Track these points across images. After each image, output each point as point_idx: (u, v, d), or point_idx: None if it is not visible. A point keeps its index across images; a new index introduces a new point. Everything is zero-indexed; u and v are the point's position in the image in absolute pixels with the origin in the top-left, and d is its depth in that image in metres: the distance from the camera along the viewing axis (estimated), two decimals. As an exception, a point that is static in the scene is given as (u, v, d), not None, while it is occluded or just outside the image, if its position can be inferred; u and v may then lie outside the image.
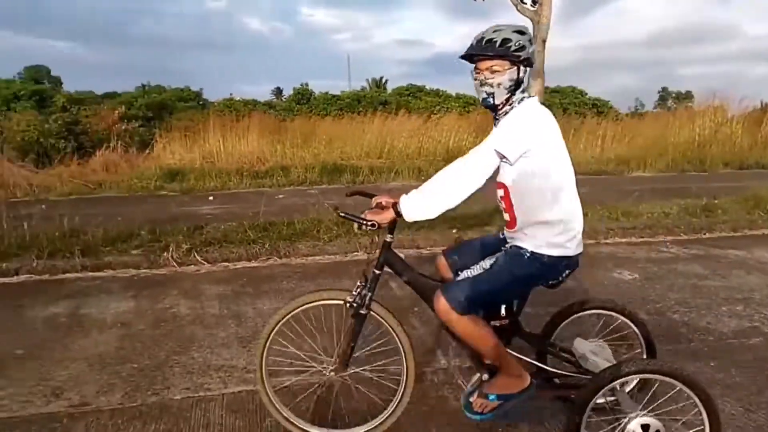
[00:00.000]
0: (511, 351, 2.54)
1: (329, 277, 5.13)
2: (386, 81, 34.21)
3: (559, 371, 2.65)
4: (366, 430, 2.67)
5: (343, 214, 2.39)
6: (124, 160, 11.63)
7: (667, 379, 2.22)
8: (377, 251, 2.51)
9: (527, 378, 2.53)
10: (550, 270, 2.41)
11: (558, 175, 2.34)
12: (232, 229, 6.22)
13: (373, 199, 2.64)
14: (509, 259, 2.41)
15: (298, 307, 2.58)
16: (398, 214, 2.28)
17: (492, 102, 2.36)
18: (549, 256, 2.37)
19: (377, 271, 2.50)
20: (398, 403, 2.65)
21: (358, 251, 5.92)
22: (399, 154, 13.02)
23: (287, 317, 2.58)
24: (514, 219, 2.42)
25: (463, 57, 2.40)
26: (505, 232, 2.57)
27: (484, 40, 2.32)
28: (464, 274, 2.46)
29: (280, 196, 9.37)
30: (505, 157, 2.25)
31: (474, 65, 2.40)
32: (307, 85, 23.02)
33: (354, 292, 2.50)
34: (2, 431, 2.81)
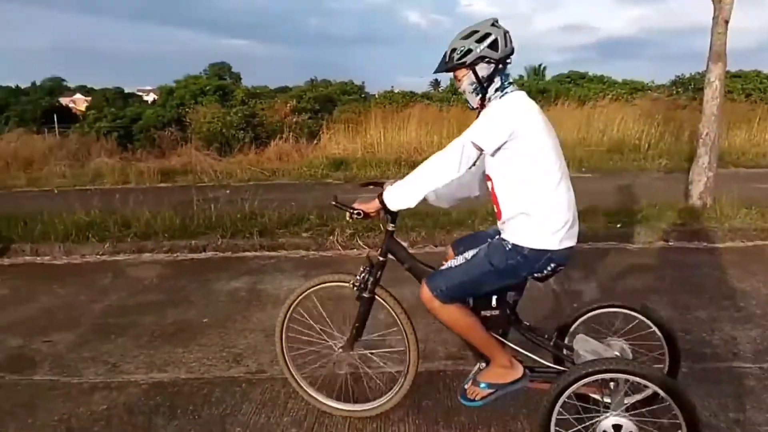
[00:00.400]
0: (506, 342, 2.60)
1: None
2: (545, 68, 33.07)
3: (551, 365, 2.63)
4: (366, 408, 2.88)
5: (335, 203, 2.59)
6: (295, 150, 12.48)
7: (642, 381, 2.11)
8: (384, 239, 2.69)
9: (519, 369, 2.57)
10: (532, 263, 2.39)
11: (542, 167, 2.33)
12: (391, 217, 6.46)
13: (385, 185, 2.69)
14: (490, 250, 2.44)
15: (310, 289, 2.81)
16: (383, 204, 2.42)
17: (471, 105, 2.49)
18: (530, 249, 2.36)
19: (381, 258, 2.69)
20: (399, 388, 2.82)
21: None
22: (561, 144, 12.57)
23: (300, 298, 2.83)
24: (500, 211, 2.45)
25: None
26: (497, 223, 2.58)
27: (443, 57, 2.46)
28: (448, 264, 2.51)
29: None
30: (481, 148, 2.30)
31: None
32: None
33: (358, 277, 2.70)
34: (190, 391, 3.23)
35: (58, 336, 4.02)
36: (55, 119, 16.95)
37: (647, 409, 2.21)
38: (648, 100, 15.96)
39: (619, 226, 6.15)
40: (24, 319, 4.37)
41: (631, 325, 2.69)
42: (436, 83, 42.39)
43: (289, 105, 15.53)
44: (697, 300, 4.32)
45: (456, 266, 2.48)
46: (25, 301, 4.78)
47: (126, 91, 23.18)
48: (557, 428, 2.23)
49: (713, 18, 6.49)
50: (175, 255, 5.96)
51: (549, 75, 28.78)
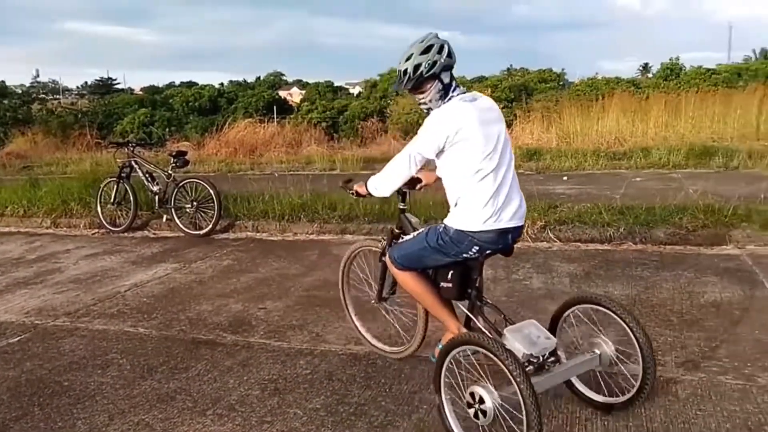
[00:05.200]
0: (470, 314, 2.96)
1: (692, 270, 4.78)
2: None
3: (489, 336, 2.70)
4: (392, 350, 3.53)
5: (342, 186, 3.31)
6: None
7: (488, 353, 2.40)
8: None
9: (461, 331, 2.92)
10: (456, 243, 2.75)
11: (473, 161, 2.65)
12: (585, 210, 6.23)
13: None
14: (429, 230, 2.88)
15: (356, 249, 3.62)
16: (366, 188, 3.03)
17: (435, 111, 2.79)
18: (455, 230, 2.73)
19: (396, 230, 3.23)
20: (413, 340, 3.36)
21: (726, 245, 5.36)
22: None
23: (351, 255, 3.66)
24: (448, 201, 2.83)
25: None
26: None
27: (401, 73, 2.75)
28: (402, 238, 3.09)
29: (638, 179, 8.92)
30: (422, 155, 2.74)
31: None
32: (677, 59, 21.06)
33: (380, 244, 3.37)
34: (383, 365, 3.46)
35: (272, 304, 4.58)
36: (275, 110, 18.83)
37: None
38: None
39: None
40: (244, 287, 5.03)
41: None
42: (645, 68, 39.14)
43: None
44: None
45: (406, 240, 3.04)
46: (246, 272, 5.49)
47: (335, 84, 24.99)
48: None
49: None
50: (373, 237, 6.37)
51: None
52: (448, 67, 2.73)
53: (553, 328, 2.86)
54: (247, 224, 7.11)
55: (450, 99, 2.74)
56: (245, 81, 36.35)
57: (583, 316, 2.86)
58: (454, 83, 2.77)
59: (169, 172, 7.23)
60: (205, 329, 4.17)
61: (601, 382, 2.82)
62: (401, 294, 3.37)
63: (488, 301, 3.00)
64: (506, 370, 2.30)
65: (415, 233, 2.99)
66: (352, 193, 3.20)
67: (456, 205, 2.76)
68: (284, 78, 52.58)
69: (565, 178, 9.21)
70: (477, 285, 2.94)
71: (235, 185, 8.60)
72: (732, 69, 19.14)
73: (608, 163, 10.24)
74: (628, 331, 2.64)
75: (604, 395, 2.81)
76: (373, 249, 3.49)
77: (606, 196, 7.11)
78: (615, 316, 2.68)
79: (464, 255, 2.79)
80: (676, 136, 11.40)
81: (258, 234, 6.96)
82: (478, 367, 2.58)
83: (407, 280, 3.00)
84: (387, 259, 3.08)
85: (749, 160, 9.56)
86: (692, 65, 20.05)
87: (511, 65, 25.59)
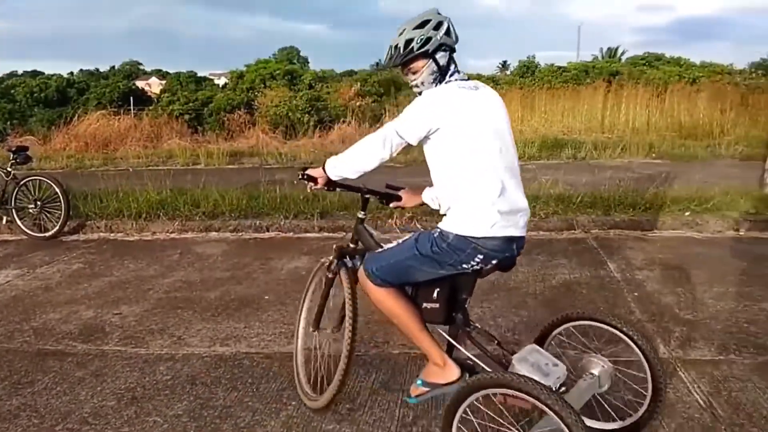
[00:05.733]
0: (453, 341, 2.52)
1: (544, 254, 5.11)
2: (622, 51, 31.86)
3: (487, 368, 2.40)
4: (312, 398, 2.89)
5: (299, 176, 2.60)
6: (357, 134, 12.59)
7: (526, 396, 1.93)
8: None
9: (455, 371, 2.45)
10: (456, 252, 2.29)
11: (473, 155, 2.28)
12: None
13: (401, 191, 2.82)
14: (420, 235, 2.41)
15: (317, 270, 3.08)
16: (325, 170, 2.49)
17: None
18: (455, 236, 2.28)
19: (351, 245, 2.80)
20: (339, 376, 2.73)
21: (575, 229, 5.80)
22: (626, 129, 12.15)
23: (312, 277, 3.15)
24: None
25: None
26: None
27: (392, 48, 2.40)
28: (385, 246, 2.53)
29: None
30: (403, 138, 2.32)
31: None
32: (533, 57, 22.49)
33: (330, 258, 2.88)
34: (250, 364, 3.36)
35: (128, 309, 4.27)
36: (131, 102, 17.67)
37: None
38: (725, 84, 15.19)
39: (687, 214, 5.91)
40: (97, 292, 4.65)
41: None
42: (504, 66, 41.49)
43: (353, 89, 15.64)
44: (765, 292, 4.13)
45: (388, 248, 2.50)
46: (99, 275, 5.08)
47: (199, 75, 23.89)
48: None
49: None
50: (240, 234, 6.18)
51: (626, 57, 27.64)
52: (446, 48, 2.38)
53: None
54: (99, 224, 6.58)
55: (447, 83, 2.39)
56: (98, 70, 33.88)
57: (565, 337, 2.57)
58: (453, 67, 2.41)
59: (8, 169, 6.52)
60: (53, 339, 3.80)
61: (595, 406, 2.51)
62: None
63: (476, 325, 2.59)
64: (553, 414, 1.88)
65: (400, 240, 2.49)
66: (304, 179, 2.57)
67: (453, 206, 2.34)
68: (142, 67, 49.73)
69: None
70: (465, 306, 2.53)
71: (86, 183, 7.94)
72: (580, 67, 20.68)
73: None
74: (633, 346, 2.36)
75: (605, 420, 2.52)
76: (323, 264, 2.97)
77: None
78: (617, 333, 2.38)
79: (464, 266, 2.33)
80: (530, 130, 12.18)
81: (112, 234, 6.48)
82: (502, 411, 2.22)
83: (385, 298, 2.46)
84: (361, 272, 2.51)
85: (595, 151, 10.44)
86: (546, 63, 21.49)
87: (380, 60, 26.04)
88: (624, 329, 2.36)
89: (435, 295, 2.47)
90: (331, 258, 2.88)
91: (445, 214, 2.38)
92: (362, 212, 2.78)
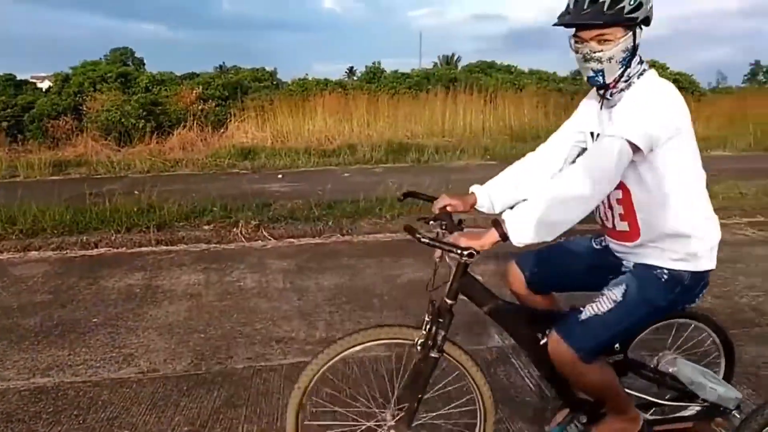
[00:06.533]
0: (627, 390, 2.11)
1: (391, 255, 5.20)
2: (458, 58, 33.75)
3: (675, 403, 2.21)
4: None
5: (425, 240, 1.80)
6: (200, 139, 12.08)
7: None
8: (451, 275, 1.93)
9: (640, 419, 2.08)
10: (690, 291, 1.94)
11: (693, 172, 1.88)
12: (298, 207, 6.39)
13: (436, 203, 2.16)
14: (643, 284, 1.90)
15: (350, 348, 1.98)
16: (503, 237, 1.75)
17: (602, 81, 1.85)
18: (691, 274, 1.90)
19: (449, 301, 1.93)
20: None
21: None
22: (464, 133, 12.89)
23: (332, 361, 1.98)
24: (637, 230, 1.92)
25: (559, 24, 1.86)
26: (615, 244, 2.06)
27: (587, 1, 1.77)
28: (587, 311, 1.91)
29: (346, 175, 9.50)
30: (639, 149, 1.74)
31: (574, 33, 1.88)
32: (379, 63, 23.06)
33: (424, 330, 1.93)
34: (75, 395, 3.04)
35: (-74, 344, 3.68)
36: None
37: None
38: (550, 90, 16.67)
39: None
40: None
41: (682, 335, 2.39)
42: (351, 71, 42.19)
43: (195, 92, 14.96)
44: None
45: (605, 313, 1.89)
46: None
47: (18, 78, 21.51)
48: None
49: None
50: (64, 252, 5.60)
51: (462, 64, 29.32)
52: (647, 24, 1.84)
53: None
54: None
55: (643, 73, 1.87)
56: None
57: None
58: (639, 55, 1.86)
59: None
60: None
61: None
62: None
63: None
64: None
65: (614, 299, 1.90)
66: (467, 254, 1.76)
67: (673, 235, 1.88)
68: (-50, 69, 43.96)
69: (280, 176, 9.33)
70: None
71: None
72: (422, 74, 21.55)
73: (320, 161, 10.70)
74: (719, 343, 2.31)
75: None
76: (401, 343, 2.02)
77: (317, 192, 7.37)
78: (705, 329, 2.30)
79: (689, 304, 2.02)
80: (377, 134, 12.47)
81: None
82: None
83: (598, 375, 1.92)
84: (566, 353, 1.87)
85: (437, 155, 10.95)
86: (391, 69, 22.14)
87: (223, 63, 25.26)
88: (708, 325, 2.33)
89: (617, 345, 2.11)
90: (426, 331, 1.93)
91: (638, 246, 1.95)
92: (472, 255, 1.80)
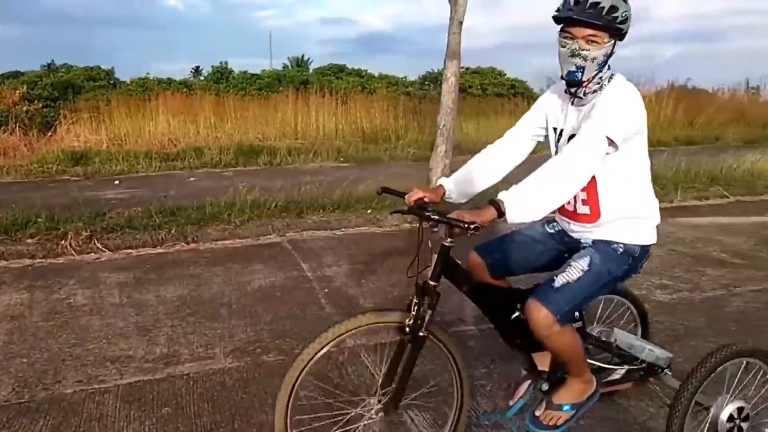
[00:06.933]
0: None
1: (240, 262, 5.04)
2: (310, 60, 33.72)
3: (618, 367, 2.51)
4: None
5: (435, 217, 1.97)
6: (23, 143, 10.89)
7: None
8: (434, 259, 2.09)
9: (594, 381, 2.32)
10: (638, 262, 2.25)
11: (645, 163, 2.21)
12: (137, 214, 5.97)
13: (409, 196, 2.28)
14: (604, 257, 2.18)
15: (341, 335, 2.06)
16: (500, 215, 1.90)
17: (579, 78, 2.06)
18: (640, 248, 2.23)
19: (433, 283, 2.07)
20: None
21: (270, 234, 5.87)
22: (317, 135, 12.89)
23: (321, 352, 2.05)
24: (598, 212, 2.20)
25: (556, 18, 2.09)
26: (575, 225, 2.31)
27: (588, 2, 1.98)
28: (559, 279, 2.12)
29: (192, 179, 9.08)
30: (614, 142, 2.01)
31: (562, 29, 2.08)
32: (226, 63, 22.36)
33: (413, 312, 2.06)
34: None
35: None
36: None
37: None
38: (399, 94, 17.23)
39: (369, 212, 6.47)
40: None
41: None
42: (197, 71, 40.46)
43: (18, 92, 13.51)
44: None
45: (575, 280, 2.12)
46: None
47: None
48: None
49: (450, 19, 7.12)
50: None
51: (314, 67, 29.33)
52: (623, 38, 2.09)
53: None
54: None
55: (611, 77, 2.12)
56: None
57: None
58: (609, 62, 2.11)
59: None
60: None
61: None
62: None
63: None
64: None
65: (581, 268, 2.13)
66: (473, 228, 1.86)
67: (628, 215, 2.19)
68: None
69: (116, 182, 8.68)
70: None
71: None
72: (273, 75, 21.25)
73: (162, 165, 10.10)
74: (636, 314, 2.77)
75: None
76: (390, 326, 2.13)
77: (159, 198, 6.95)
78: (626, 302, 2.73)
79: (634, 275, 2.29)
80: (226, 136, 12.06)
81: None
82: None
83: (569, 337, 2.14)
84: (545, 316, 2.03)
85: (289, 157, 10.82)
86: (240, 70, 21.56)
87: (52, 60, 23.03)
88: None
89: (577, 313, 2.35)
90: (415, 313, 2.06)
91: (596, 226, 2.22)
92: (450, 239, 2.06)
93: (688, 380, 2.17)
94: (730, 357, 2.20)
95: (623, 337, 2.51)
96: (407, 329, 2.06)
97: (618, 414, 2.76)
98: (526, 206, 1.90)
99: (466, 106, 16.80)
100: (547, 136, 2.36)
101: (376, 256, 5.25)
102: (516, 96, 20.72)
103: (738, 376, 2.29)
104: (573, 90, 2.14)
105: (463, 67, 22.18)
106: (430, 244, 2.10)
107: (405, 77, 22.83)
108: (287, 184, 7.67)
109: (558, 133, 2.28)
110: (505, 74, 23.64)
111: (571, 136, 2.15)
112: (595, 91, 2.12)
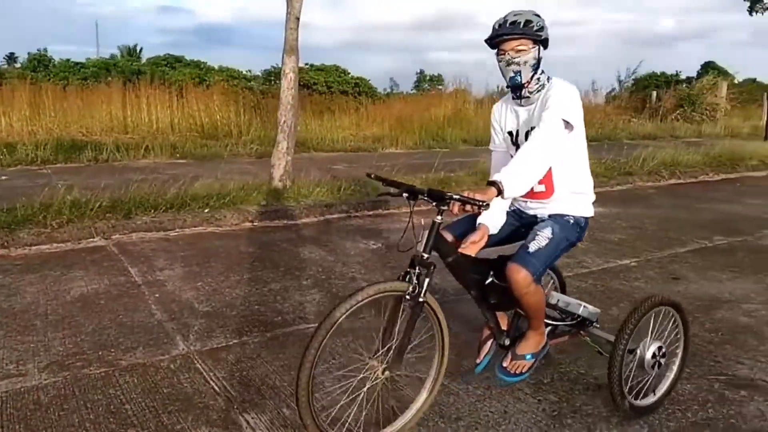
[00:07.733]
0: None
1: (58, 268, 4.59)
2: (141, 49, 31.71)
3: (558, 322, 2.97)
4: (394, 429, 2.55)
5: (456, 197, 2.23)
6: None
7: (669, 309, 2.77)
8: (424, 234, 2.37)
9: (545, 334, 2.77)
10: (582, 232, 2.73)
11: (584, 147, 2.66)
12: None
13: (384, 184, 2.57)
14: (561, 227, 2.62)
15: (354, 306, 2.25)
16: (500, 192, 2.29)
17: (519, 80, 2.53)
18: (585, 219, 2.71)
19: (426, 255, 2.35)
20: (425, 399, 2.61)
21: (93, 237, 5.41)
22: (150, 130, 12.14)
23: (337, 323, 2.22)
24: (551, 189, 2.64)
25: (487, 41, 2.55)
26: (532, 203, 2.75)
27: (508, 22, 2.49)
28: (532, 246, 2.53)
29: (3, 178, 8.12)
30: (569, 123, 2.47)
31: (497, 49, 2.56)
32: (45, 50, 20.38)
33: (414, 281, 2.33)
34: None
35: None
36: None
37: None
38: (241, 88, 16.79)
39: (207, 211, 6.21)
40: None
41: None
42: (11, 58, 36.22)
43: None
44: (273, 274, 4.65)
45: (545, 246, 2.53)
46: None
47: None
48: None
49: (287, 14, 7.04)
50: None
51: (146, 56, 27.60)
52: (546, 46, 2.57)
53: None
54: None
55: (549, 78, 2.59)
56: None
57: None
58: (541, 66, 2.59)
59: None
60: None
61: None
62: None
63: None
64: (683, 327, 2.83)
65: (547, 236, 2.56)
66: (484, 205, 2.18)
67: (575, 192, 2.67)
68: None
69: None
70: None
71: None
72: (101, 64, 19.73)
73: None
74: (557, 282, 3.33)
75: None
76: (397, 294, 2.35)
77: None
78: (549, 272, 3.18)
79: (577, 243, 2.76)
80: (43, 131, 10.93)
81: None
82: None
83: (540, 295, 2.58)
84: (524, 276, 2.43)
85: (118, 153, 10.05)
86: (62, 58, 19.76)
87: None
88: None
89: None
90: (416, 281, 2.34)
91: (550, 202, 2.68)
92: (440, 216, 2.38)
93: (622, 330, 2.57)
94: (651, 307, 2.66)
95: (562, 298, 2.96)
96: (408, 296, 2.32)
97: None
98: (517, 182, 2.33)
99: (311, 103, 16.85)
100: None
101: (214, 258, 5.06)
102: (361, 95, 21.16)
103: (658, 322, 2.75)
104: (518, 92, 2.60)
105: (307, 64, 22.30)
106: (422, 222, 2.38)
107: (249, 71, 22.35)
108: (114, 182, 7.10)
109: (515, 133, 2.72)
110: (349, 73, 24.01)
111: (531, 129, 2.56)
112: (538, 90, 2.58)
